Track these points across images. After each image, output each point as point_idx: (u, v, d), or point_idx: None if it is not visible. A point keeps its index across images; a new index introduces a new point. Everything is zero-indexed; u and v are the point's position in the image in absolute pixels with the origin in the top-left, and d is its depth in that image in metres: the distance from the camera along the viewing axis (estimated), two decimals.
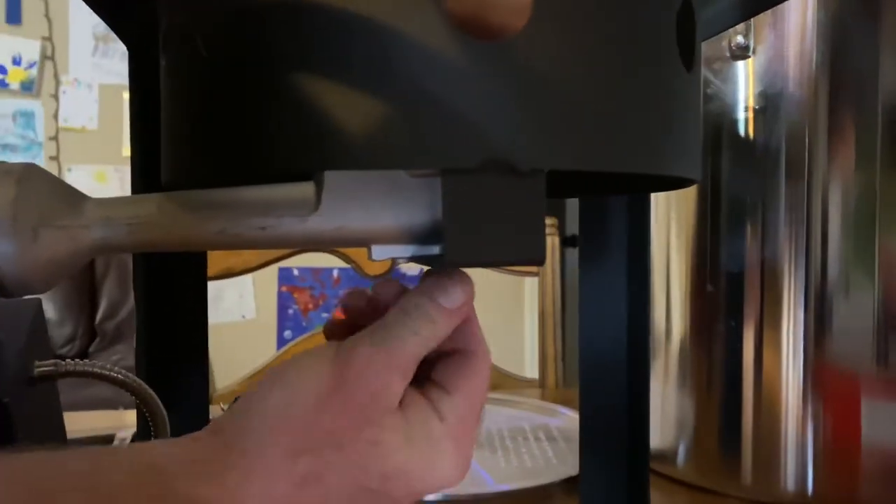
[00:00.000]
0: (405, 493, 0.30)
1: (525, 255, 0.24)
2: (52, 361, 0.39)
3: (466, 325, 0.32)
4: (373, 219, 0.32)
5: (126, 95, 2.65)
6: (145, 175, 0.39)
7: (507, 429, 0.83)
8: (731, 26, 0.49)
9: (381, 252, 0.33)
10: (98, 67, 2.47)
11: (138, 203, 0.31)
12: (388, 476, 0.29)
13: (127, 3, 0.45)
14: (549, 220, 1.17)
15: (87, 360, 0.40)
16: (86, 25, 2.44)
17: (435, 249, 0.33)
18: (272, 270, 2.64)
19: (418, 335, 0.30)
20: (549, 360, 1.07)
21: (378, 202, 0.32)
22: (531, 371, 2.33)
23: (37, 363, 0.38)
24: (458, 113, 0.22)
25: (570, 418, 0.85)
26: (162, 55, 0.31)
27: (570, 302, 1.25)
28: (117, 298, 2.29)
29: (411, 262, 0.34)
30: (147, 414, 0.40)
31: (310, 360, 0.30)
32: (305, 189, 0.32)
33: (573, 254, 1.31)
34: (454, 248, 0.24)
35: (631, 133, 0.24)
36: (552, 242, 1.12)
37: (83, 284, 2.28)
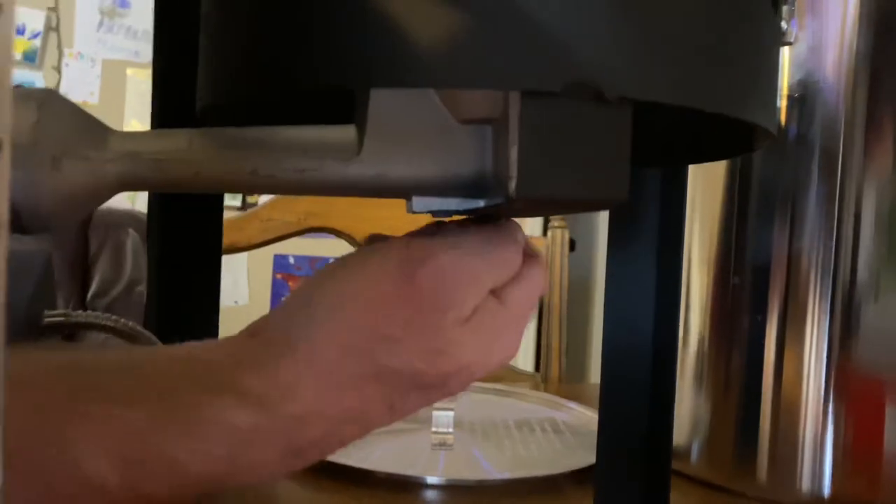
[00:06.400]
0: (464, 383, 0.29)
1: (605, 193, 0.21)
2: (61, 311, 0.37)
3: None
4: (416, 167, 0.30)
5: (129, 72, 2.61)
6: (166, 113, 0.37)
7: (513, 420, 0.81)
8: None
9: (423, 204, 0.31)
10: (103, 42, 2.44)
11: (167, 137, 0.29)
12: (451, 374, 0.28)
13: None
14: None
15: (97, 313, 0.38)
16: None
17: (479, 203, 0.31)
18: (267, 257, 2.61)
19: (491, 273, 0.29)
20: (554, 354, 1.05)
21: (423, 149, 0.30)
22: (524, 364, 2.32)
23: (46, 312, 0.36)
24: (545, 28, 0.20)
25: (577, 412, 0.83)
26: None
27: (569, 298, 1.23)
28: (110, 276, 2.26)
29: (454, 215, 0.32)
30: None
31: (375, 257, 0.28)
32: (346, 132, 0.30)
33: (572, 258, 1.29)
34: (527, 177, 0.22)
35: (724, 72, 0.23)
36: (562, 235, 1.10)
37: (76, 261, 2.25)
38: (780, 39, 0.27)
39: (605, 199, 0.21)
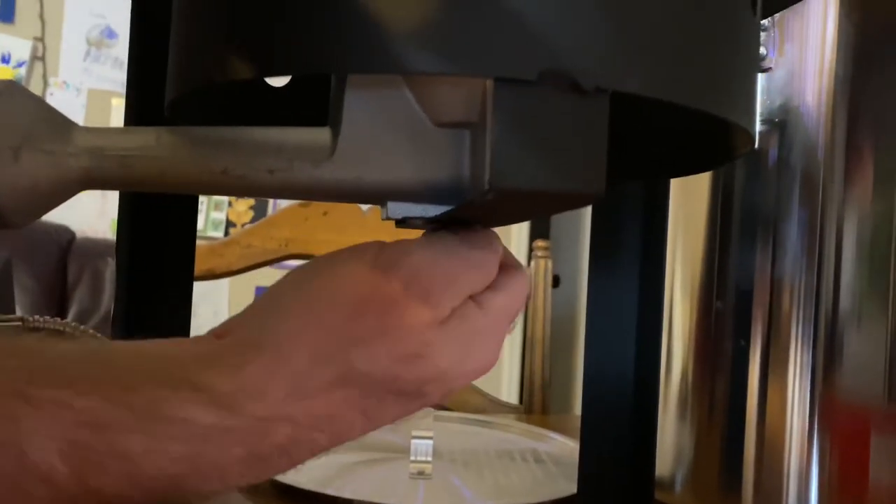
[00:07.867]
0: (442, 392, 0.28)
1: (581, 186, 0.21)
2: (17, 315, 0.35)
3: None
4: (392, 170, 0.29)
5: (115, 102, 2.61)
6: (141, 115, 0.36)
7: (494, 450, 0.79)
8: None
9: (398, 209, 0.30)
10: (88, 72, 2.44)
11: (134, 134, 0.28)
12: (427, 380, 0.27)
13: None
14: (542, 243, 1.14)
15: (57, 318, 0.37)
16: (80, 29, 2.41)
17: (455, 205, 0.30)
18: (249, 288, 2.58)
19: (468, 275, 0.28)
20: (537, 386, 1.04)
21: (398, 152, 0.29)
22: (508, 396, 2.29)
23: (1, 316, 0.34)
24: (520, 16, 0.20)
25: (559, 443, 0.82)
26: None
27: (553, 331, 1.22)
28: (88, 306, 2.23)
29: (430, 223, 0.31)
30: None
31: (348, 258, 0.28)
32: (321, 134, 0.30)
33: (557, 291, 1.28)
34: (501, 167, 0.21)
35: (702, 68, 0.22)
36: (545, 265, 1.10)
37: (54, 289, 2.21)
38: (758, 40, 0.26)
39: (582, 192, 0.21)
